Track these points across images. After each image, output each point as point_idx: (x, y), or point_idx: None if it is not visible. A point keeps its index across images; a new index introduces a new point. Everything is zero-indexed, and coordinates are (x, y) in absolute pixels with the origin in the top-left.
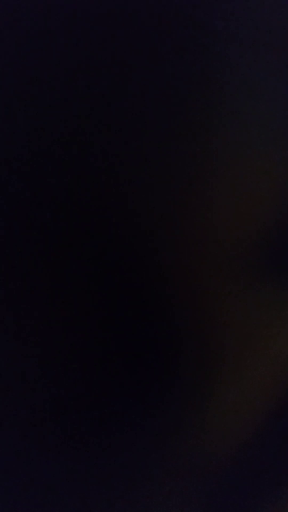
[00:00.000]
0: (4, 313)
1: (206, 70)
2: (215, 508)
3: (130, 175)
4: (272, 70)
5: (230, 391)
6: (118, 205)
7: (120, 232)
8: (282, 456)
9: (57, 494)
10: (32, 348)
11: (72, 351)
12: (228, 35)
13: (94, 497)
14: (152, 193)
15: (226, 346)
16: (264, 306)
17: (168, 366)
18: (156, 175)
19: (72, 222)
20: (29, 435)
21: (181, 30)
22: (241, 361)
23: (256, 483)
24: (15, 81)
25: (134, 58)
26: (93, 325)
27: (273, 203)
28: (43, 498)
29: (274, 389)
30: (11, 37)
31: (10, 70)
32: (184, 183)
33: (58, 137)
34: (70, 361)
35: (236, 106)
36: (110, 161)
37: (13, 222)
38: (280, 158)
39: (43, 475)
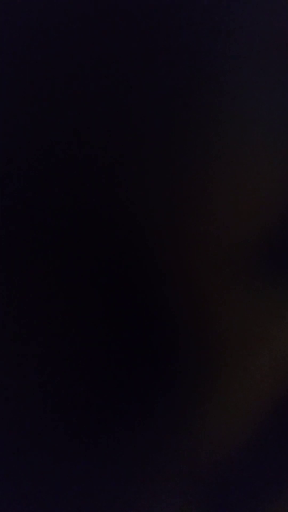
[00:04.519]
0: (4, 313)
1: (206, 70)
2: (215, 508)
3: (130, 175)
4: (271, 70)
5: (230, 391)
6: (118, 205)
7: (120, 232)
8: (282, 456)
9: (57, 495)
10: (32, 347)
11: (72, 352)
12: (228, 35)
13: (94, 498)
14: (152, 193)
15: (226, 346)
16: (264, 306)
17: (168, 367)
18: (156, 175)
19: (72, 223)
20: (29, 437)
21: (181, 30)
22: (241, 361)
23: (256, 483)
24: (15, 82)
25: (134, 57)
26: (93, 326)
27: (273, 203)
28: (43, 498)
29: (274, 389)
30: (11, 37)
31: (10, 70)
32: (184, 184)
33: (58, 137)
34: (70, 363)
35: (236, 106)
36: (110, 161)
37: (14, 222)
38: (280, 159)
39: (43, 476)
